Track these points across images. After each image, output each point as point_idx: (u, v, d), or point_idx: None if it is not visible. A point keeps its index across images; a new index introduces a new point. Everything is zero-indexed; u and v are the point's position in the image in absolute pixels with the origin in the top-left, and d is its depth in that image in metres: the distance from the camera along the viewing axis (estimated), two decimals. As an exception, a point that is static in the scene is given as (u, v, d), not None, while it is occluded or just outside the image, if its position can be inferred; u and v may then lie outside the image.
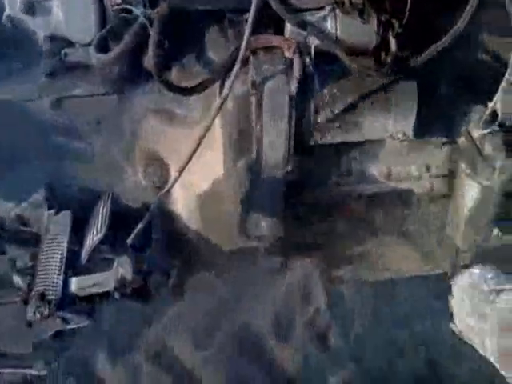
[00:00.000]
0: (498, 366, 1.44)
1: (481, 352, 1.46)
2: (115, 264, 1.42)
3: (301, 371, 1.99)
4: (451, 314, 1.53)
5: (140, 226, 1.44)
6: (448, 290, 1.77)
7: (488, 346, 1.44)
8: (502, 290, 1.49)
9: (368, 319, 2.13)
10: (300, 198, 1.80)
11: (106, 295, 1.40)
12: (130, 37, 1.44)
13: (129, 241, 1.42)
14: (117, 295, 1.40)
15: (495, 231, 2.08)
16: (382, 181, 1.88)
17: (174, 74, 1.60)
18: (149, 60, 1.45)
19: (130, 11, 1.45)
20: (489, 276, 1.54)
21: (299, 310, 2.10)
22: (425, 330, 2.22)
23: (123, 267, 1.40)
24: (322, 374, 2.09)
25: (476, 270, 1.56)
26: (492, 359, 1.44)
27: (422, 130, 1.83)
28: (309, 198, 1.81)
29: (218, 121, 1.56)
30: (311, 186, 1.81)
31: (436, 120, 1.93)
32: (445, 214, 1.97)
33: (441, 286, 2.18)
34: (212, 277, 1.66)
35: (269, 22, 1.61)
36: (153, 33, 1.43)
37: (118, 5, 1.42)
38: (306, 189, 1.80)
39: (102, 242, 1.38)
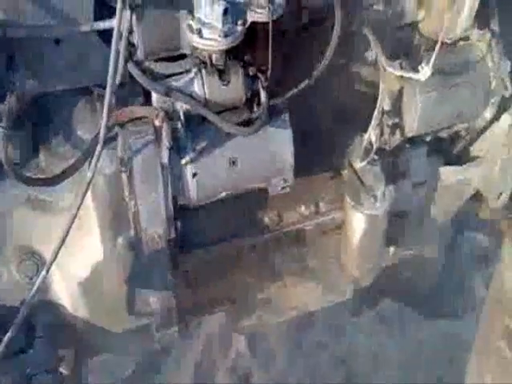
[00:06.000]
0: None
1: None
2: None
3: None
4: None
5: (8, 335, 1.39)
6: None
7: None
8: None
9: (289, 353, 2.16)
10: (190, 259, 1.80)
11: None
12: None
13: None
14: None
15: (391, 249, 2.17)
16: (273, 228, 1.91)
17: (41, 159, 1.57)
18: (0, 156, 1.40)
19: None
20: None
21: (220, 358, 2.11)
22: (342, 349, 2.30)
23: None
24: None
25: None
26: None
27: (307, 167, 1.88)
28: (200, 257, 1.82)
29: (90, 203, 1.53)
30: (200, 244, 1.81)
31: (320, 156, 1.98)
32: (339, 244, 2.03)
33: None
34: (112, 357, 1.63)
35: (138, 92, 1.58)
36: (0, 129, 1.38)
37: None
38: (195, 248, 1.81)
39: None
